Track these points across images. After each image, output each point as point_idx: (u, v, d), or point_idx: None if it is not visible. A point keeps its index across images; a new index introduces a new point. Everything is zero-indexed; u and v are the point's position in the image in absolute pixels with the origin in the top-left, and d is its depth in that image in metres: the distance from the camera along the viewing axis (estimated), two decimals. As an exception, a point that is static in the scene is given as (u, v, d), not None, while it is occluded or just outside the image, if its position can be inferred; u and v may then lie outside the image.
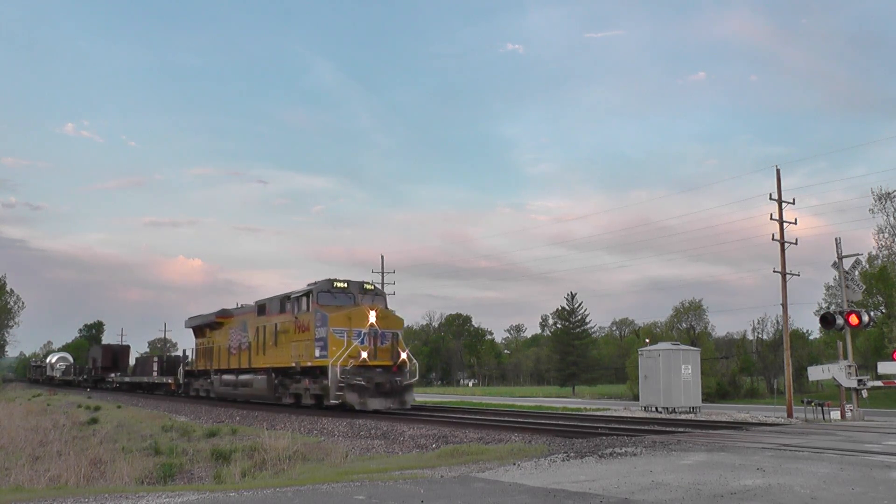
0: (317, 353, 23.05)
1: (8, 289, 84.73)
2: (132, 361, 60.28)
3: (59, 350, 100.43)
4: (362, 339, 22.67)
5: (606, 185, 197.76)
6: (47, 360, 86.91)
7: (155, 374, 44.23)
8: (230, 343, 30.85)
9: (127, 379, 51.60)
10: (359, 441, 15.02)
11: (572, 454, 10.55)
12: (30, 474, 12.45)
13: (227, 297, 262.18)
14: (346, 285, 24.41)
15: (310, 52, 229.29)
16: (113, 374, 55.24)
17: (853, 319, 23.25)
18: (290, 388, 25.50)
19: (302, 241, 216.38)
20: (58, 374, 77.04)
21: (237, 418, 22.71)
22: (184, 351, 38.43)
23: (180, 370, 38.54)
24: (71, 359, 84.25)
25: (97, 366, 59.11)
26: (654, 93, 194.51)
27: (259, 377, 27.41)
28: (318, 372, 23.32)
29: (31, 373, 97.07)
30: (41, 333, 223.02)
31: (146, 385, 45.95)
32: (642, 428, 16.84)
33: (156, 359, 47.23)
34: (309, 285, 24.78)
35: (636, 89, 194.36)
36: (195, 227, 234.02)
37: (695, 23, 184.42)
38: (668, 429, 16.44)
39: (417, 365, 24.73)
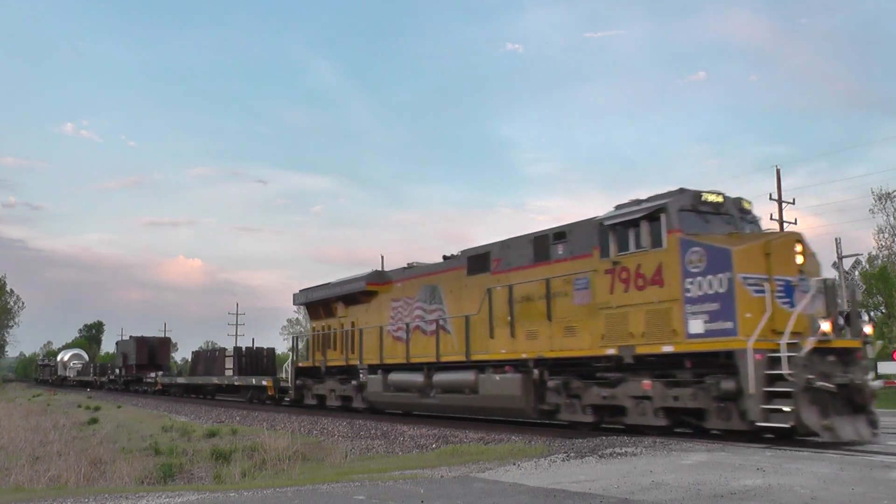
0: (695, 325, 11.80)
1: (8, 289, 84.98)
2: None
3: (62, 349, 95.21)
4: (792, 300, 11.59)
5: (606, 185, 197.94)
6: (58, 359, 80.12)
7: (230, 372, 33.16)
8: (398, 322, 19.73)
9: (181, 380, 40.29)
10: (359, 441, 15.02)
11: (572, 454, 10.54)
12: (30, 474, 12.47)
13: (227, 296, 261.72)
14: (721, 199, 13.17)
15: (310, 52, 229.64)
16: (153, 374, 44.41)
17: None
18: (584, 395, 14.14)
19: (302, 241, 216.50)
20: (72, 374, 69.58)
21: (237, 418, 22.71)
22: (294, 339, 29.03)
23: (287, 367, 26.38)
24: (86, 356, 79.42)
25: (129, 363, 49.12)
26: (654, 93, 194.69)
27: (498, 377, 15.78)
28: (691, 364, 12.17)
29: (39, 372, 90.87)
30: (41, 333, 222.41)
31: (212, 389, 34.87)
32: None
33: (230, 352, 34.76)
34: (633, 205, 13.38)
35: (636, 89, 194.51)
36: (195, 227, 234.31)
37: (695, 23, 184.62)
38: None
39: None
